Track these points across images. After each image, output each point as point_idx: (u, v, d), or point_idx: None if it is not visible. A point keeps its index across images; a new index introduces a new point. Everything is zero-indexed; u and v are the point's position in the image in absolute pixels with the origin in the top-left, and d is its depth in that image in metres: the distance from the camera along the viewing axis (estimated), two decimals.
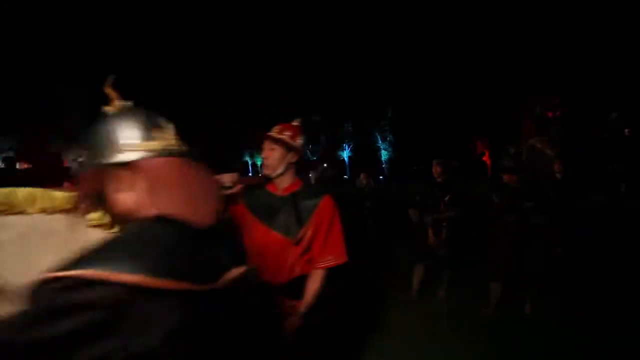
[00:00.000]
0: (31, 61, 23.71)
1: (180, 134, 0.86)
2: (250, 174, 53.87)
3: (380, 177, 33.00)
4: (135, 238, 0.68)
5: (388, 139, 36.28)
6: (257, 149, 50.44)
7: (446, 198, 3.95)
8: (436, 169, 4.12)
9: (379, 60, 33.28)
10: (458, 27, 24.62)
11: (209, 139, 44.48)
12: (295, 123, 1.93)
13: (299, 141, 1.84)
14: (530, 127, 6.83)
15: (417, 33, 29.39)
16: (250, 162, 54.46)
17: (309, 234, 1.77)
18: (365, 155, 35.26)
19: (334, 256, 1.78)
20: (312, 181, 10.16)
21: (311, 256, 1.79)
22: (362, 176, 7.44)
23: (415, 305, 4.04)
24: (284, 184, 1.85)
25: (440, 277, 4.20)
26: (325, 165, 10.71)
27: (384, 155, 37.15)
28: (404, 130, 33.93)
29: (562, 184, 4.77)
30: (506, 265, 3.49)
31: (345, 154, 38.40)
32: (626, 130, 13.39)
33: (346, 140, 38.53)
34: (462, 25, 24.23)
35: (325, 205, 1.80)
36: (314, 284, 1.76)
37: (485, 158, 28.12)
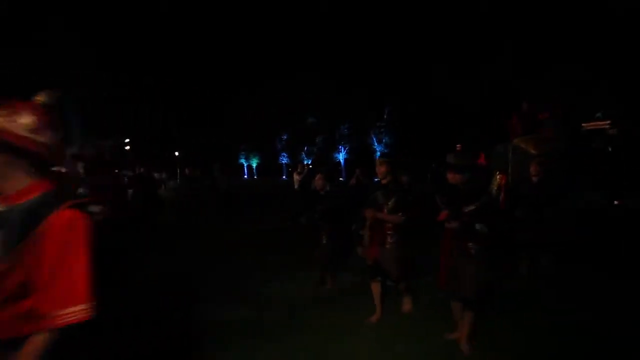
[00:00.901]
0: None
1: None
2: (245, 176, 53.42)
3: (376, 178, 32.69)
4: None
5: (384, 140, 36.14)
6: (252, 150, 50.21)
7: (389, 202, 3.32)
8: (379, 169, 3.42)
9: (375, 61, 33.03)
10: (457, 27, 24.39)
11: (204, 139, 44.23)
12: (37, 99, 1.26)
13: (30, 126, 1.18)
14: (517, 126, 6.61)
15: (414, 33, 29.19)
16: (245, 164, 53.96)
17: (22, 265, 1.14)
18: (361, 157, 34.91)
19: (68, 305, 1.12)
20: (296, 185, 9.84)
21: (31, 305, 1.15)
22: (357, 172, 7.42)
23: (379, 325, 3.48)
24: (10, 190, 1.22)
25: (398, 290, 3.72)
26: (305, 165, 10.46)
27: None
28: (401, 132, 33.74)
29: (540, 185, 4.56)
30: (448, 281, 2.98)
31: (342, 156, 38.09)
32: (611, 130, 13.48)
33: (342, 142, 38.32)
34: (462, 25, 23.99)
35: (57, 223, 1.15)
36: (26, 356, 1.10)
37: (481, 160, 27.86)
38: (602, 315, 3.53)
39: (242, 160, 53.28)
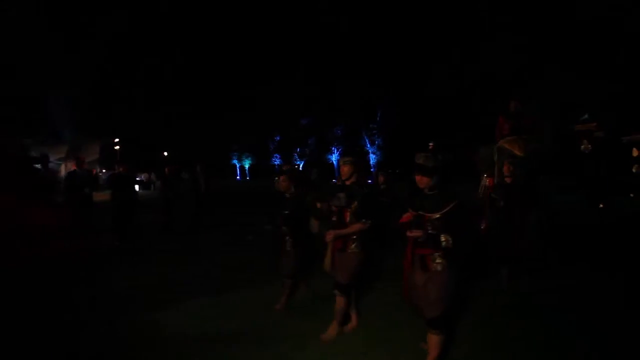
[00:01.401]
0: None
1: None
2: (238, 177, 52.93)
3: (369, 180, 32.48)
4: None
5: (377, 142, 36.03)
6: (245, 151, 49.92)
7: (352, 205, 3.03)
8: (343, 168, 3.11)
9: (368, 62, 32.69)
10: (452, 28, 24.01)
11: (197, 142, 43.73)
12: None
13: None
14: (504, 126, 6.13)
15: (409, 34, 28.83)
16: (238, 165, 53.59)
17: None
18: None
19: None
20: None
21: None
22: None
23: None
24: None
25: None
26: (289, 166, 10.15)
27: (372, 159, 36.75)
28: (392, 133, 33.68)
29: (513, 188, 4.26)
30: (411, 296, 2.71)
31: (334, 158, 37.77)
32: (598, 133, 13.38)
33: (335, 144, 38.05)
34: (457, 25, 23.62)
35: None
36: None
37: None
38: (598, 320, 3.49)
39: (235, 161, 52.88)
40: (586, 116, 18.68)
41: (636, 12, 17.02)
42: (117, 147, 32.01)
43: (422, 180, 2.57)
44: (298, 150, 41.74)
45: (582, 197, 11.62)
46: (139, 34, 37.62)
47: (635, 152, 15.08)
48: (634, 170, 14.87)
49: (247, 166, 52.68)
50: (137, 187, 17.75)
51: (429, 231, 2.47)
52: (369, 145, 36.48)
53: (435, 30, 25.38)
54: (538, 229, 4.30)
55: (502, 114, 6.35)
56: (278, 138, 44.49)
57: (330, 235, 3.04)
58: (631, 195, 13.11)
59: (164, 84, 39.92)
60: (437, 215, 2.47)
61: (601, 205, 10.62)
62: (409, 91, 29.86)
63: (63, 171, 15.22)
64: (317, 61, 35.04)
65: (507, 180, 4.24)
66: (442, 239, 2.43)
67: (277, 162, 45.98)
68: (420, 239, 2.50)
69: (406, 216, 2.61)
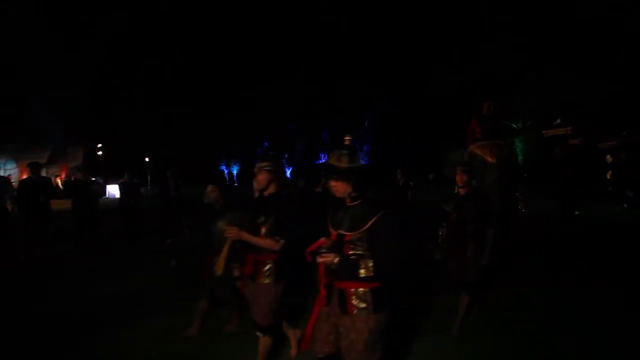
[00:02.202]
0: None
1: None
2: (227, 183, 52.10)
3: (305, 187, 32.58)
4: None
5: (365, 148, 35.81)
6: (233, 157, 49.43)
7: (260, 220, 2.48)
8: (259, 177, 2.53)
9: (368, 62, 32.63)
10: (452, 28, 23.97)
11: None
12: None
13: None
14: (477, 130, 5.35)
15: (409, 33, 28.80)
16: (226, 171, 52.95)
17: None
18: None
19: None
20: (256, 193, 8.87)
21: None
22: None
23: None
24: None
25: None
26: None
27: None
28: (380, 139, 33.54)
29: (468, 200, 3.47)
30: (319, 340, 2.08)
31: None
32: (573, 139, 13.21)
33: (323, 149, 37.62)
34: (457, 25, 23.58)
35: None
36: None
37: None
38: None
39: (223, 167, 52.34)
40: (558, 121, 18.61)
41: (636, 12, 17.00)
42: (99, 153, 31.47)
43: (337, 187, 1.93)
44: (286, 156, 41.51)
45: (558, 204, 11.35)
46: (139, 34, 37.59)
47: (609, 159, 14.95)
48: (608, 177, 14.68)
49: (235, 172, 52.37)
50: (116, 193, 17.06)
51: (351, 255, 1.86)
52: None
53: (435, 30, 25.34)
54: (488, 250, 3.71)
55: (475, 115, 5.88)
56: (266, 144, 43.74)
57: (231, 233, 2.42)
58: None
59: (164, 84, 39.80)
60: (358, 235, 1.86)
61: (577, 213, 10.47)
62: (408, 91, 29.82)
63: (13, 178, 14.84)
64: (317, 61, 34.97)
65: (461, 191, 3.52)
66: (361, 267, 1.82)
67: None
68: (334, 267, 1.84)
69: (322, 240, 1.94)
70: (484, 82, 20.23)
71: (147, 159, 37.36)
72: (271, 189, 2.52)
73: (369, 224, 1.84)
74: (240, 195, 5.05)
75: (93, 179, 10.41)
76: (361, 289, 1.85)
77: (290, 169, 41.25)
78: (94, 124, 32.20)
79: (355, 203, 1.94)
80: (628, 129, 14.93)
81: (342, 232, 1.92)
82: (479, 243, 3.35)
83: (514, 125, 20.73)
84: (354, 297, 1.85)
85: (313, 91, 34.12)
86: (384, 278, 1.88)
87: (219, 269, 2.63)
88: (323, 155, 37.92)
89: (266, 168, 2.50)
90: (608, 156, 15.06)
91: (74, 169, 24.31)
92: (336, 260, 1.81)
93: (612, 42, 17.86)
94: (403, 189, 9.14)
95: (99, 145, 31.44)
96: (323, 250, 1.84)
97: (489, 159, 5.27)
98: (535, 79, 18.97)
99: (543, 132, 15.69)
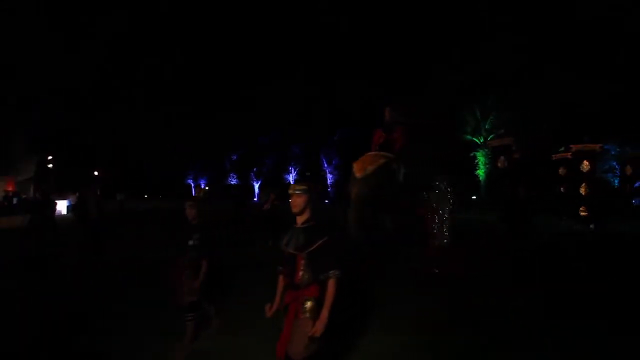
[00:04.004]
0: None
1: None
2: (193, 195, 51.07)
3: (326, 200, 31.91)
4: None
5: (334, 162, 35.40)
6: (200, 170, 48.53)
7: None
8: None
9: (368, 62, 32.65)
10: (452, 28, 23.97)
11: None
12: None
13: None
14: (377, 139, 5.03)
15: (409, 33, 28.78)
16: (193, 185, 51.79)
17: None
18: (311, 179, 34.38)
19: None
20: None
21: None
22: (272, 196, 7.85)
23: None
24: None
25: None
26: (203, 189, 9.22)
27: (330, 178, 35.97)
28: (350, 153, 33.23)
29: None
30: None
31: (292, 177, 37.14)
32: (515, 152, 12.36)
33: (293, 163, 37.45)
34: (457, 25, 23.58)
35: None
36: None
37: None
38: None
39: (190, 181, 51.83)
40: (502, 131, 18.42)
41: (636, 12, 17.03)
42: (50, 165, 28.42)
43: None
44: (255, 169, 40.79)
45: (499, 218, 10.82)
46: (139, 34, 37.64)
47: (562, 171, 13.95)
48: (561, 190, 13.89)
49: (202, 186, 50.26)
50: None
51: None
52: (325, 165, 35.91)
53: (435, 30, 25.34)
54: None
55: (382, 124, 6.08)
56: (235, 157, 42.98)
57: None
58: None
59: (164, 84, 39.80)
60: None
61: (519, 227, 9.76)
62: (409, 91, 29.81)
63: None
64: (317, 61, 34.99)
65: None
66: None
67: (233, 181, 44.45)
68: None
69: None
70: (484, 82, 20.29)
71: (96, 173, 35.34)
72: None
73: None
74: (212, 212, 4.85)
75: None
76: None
77: (259, 182, 41.05)
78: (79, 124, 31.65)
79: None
80: (588, 136, 13.58)
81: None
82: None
83: (476, 140, 21.31)
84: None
85: (313, 91, 34.01)
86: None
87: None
88: (293, 168, 37.42)
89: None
90: (561, 169, 14.01)
91: (25, 182, 23.32)
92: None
93: (612, 42, 17.86)
94: None
95: (49, 157, 28.21)
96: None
97: (356, 174, 5.33)
98: (535, 78, 18.98)
99: (487, 142, 15.30)
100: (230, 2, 40.97)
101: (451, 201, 5.81)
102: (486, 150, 20.35)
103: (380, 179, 5.27)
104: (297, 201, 2.17)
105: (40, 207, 7.12)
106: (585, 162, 13.21)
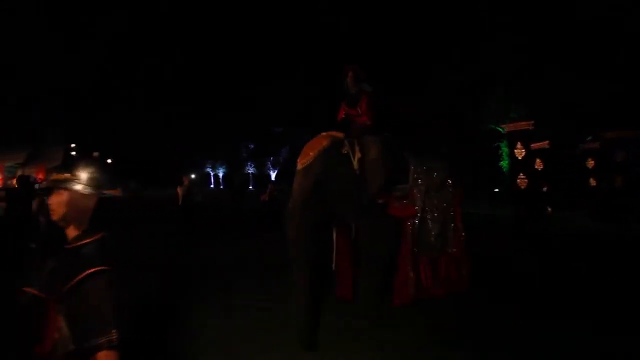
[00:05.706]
0: None
1: None
2: (212, 186, 52.20)
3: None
4: None
5: None
6: (218, 160, 49.15)
7: None
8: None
9: (368, 62, 32.56)
10: (452, 28, 23.95)
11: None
12: None
13: None
14: (340, 114, 5.17)
15: (409, 33, 28.75)
16: (212, 174, 52.89)
17: None
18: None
19: None
20: (179, 201, 9.12)
21: None
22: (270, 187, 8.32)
23: None
24: None
25: None
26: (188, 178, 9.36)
27: None
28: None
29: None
30: None
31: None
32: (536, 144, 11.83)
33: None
34: (457, 25, 23.55)
35: None
36: None
37: None
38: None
39: (209, 170, 52.30)
40: (516, 115, 17.45)
41: (636, 12, 16.99)
42: (73, 153, 29.22)
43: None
44: (272, 159, 41.03)
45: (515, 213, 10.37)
46: (139, 34, 37.59)
47: (591, 164, 13.00)
48: (592, 183, 12.90)
49: (220, 175, 52.30)
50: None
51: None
52: None
53: (435, 30, 25.29)
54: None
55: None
56: (252, 147, 43.55)
57: None
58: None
59: (164, 84, 39.75)
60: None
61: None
62: (409, 91, 29.78)
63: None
64: (317, 61, 34.93)
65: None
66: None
67: (250, 170, 45.59)
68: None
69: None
70: (484, 82, 20.28)
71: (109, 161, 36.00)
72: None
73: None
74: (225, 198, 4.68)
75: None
76: None
77: (276, 172, 41.21)
78: (89, 123, 32.00)
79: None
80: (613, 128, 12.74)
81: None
82: None
83: (500, 129, 19.94)
84: None
85: (313, 91, 33.96)
86: None
87: None
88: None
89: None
90: (590, 160, 13.11)
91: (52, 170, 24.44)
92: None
93: (612, 42, 17.83)
94: None
95: (72, 145, 29.38)
96: None
97: (299, 165, 3.85)
98: (535, 78, 18.95)
99: (503, 126, 13.83)
100: (230, 2, 40.90)
101: (451, 197, 5.03)
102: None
103: (324, 169, 3.74)
104: (56, 201, 1.34)
105: (20, 195, 6.41)
106: (620, 153, 12.24)
